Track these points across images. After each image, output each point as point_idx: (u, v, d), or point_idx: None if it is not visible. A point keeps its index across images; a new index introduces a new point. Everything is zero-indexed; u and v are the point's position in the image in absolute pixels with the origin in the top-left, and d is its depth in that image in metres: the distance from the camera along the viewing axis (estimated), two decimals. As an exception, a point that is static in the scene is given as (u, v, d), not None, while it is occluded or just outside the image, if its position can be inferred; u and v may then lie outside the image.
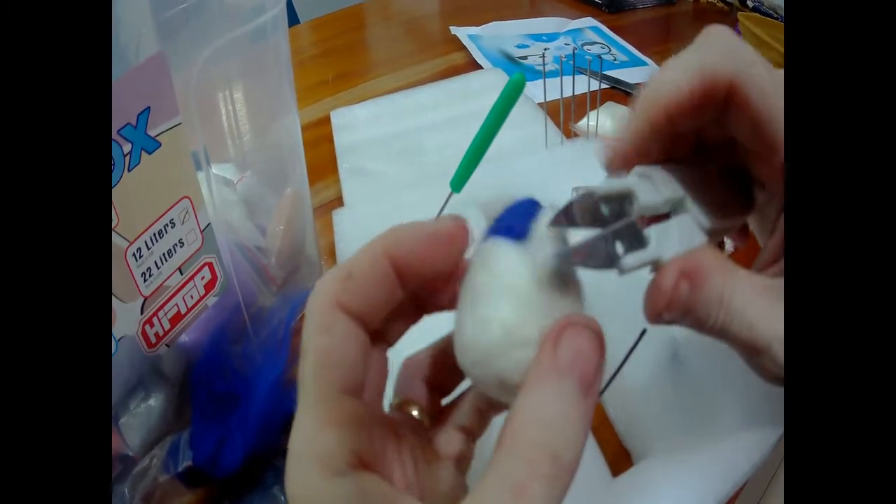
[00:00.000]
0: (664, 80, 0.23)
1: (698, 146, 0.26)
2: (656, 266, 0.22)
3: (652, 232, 0.21)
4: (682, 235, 0.22)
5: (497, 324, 0.19)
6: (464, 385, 0.25)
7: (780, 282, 0.23)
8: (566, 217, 0.20)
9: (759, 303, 0.22)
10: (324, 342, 0.19)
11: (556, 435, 0.16)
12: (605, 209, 0.22)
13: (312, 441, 0.18)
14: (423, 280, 0.21)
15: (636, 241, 0.21)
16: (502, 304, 0.19)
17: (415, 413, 0.23)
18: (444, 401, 0.25)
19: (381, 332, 0.22)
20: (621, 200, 0.22)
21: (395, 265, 0.20)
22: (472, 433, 0.24)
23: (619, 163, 0.24)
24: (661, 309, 0.22)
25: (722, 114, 0.23)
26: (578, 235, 0.20)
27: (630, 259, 0.20)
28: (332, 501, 0.17)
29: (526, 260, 0.20)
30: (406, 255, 0.20)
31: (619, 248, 0.20)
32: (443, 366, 0.24)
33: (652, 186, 0.23)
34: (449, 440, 0.23)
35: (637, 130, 0.24)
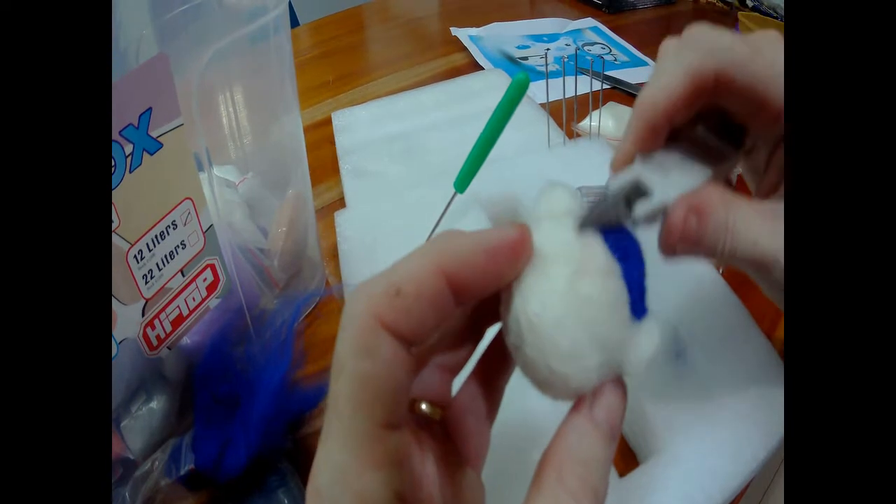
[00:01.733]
0: (658, 87, 0.25)
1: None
2: (665, 212, 0.24)
3: (655, 184, 0.24)
4: (682, 182, 0.25)
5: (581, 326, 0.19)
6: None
7: (779, 205, 0.25)
8: (590, 221, 0.21)
9: (760, 222, 0.24)
10: (365, 368, 0.17)
11: (594, 473, 0.19)
12: (622, 205, 0.23)
13: (352, 485, 0.17)
14: (482, 296, 0.19)
15: (641, 194, 0.23)
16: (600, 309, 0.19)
17: (424, 408, 0.22)
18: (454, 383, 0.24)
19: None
20: (635, 189, 0.24)
21: (450, 281, 0.18)
22: (488, 416, 0.23)
23: (625, 164, 0.26)
24: (675, 242, 0.25)
25: (711, 98, 0.26)
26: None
27: (640, 209, 0.23)
28: None
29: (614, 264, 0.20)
30: (465, 269, 0.18)
31: (628, 204, 0.22)
32: (454, 347, 0.23)
33: (654, 166, 0.25)
34: (465, 434, 0.23)
35: (640, 135, 0.26)
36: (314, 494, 0.17)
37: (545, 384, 0.19)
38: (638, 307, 0.20)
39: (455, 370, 0.23)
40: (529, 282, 0.19)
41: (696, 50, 0.25)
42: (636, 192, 0.23)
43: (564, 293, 0.18)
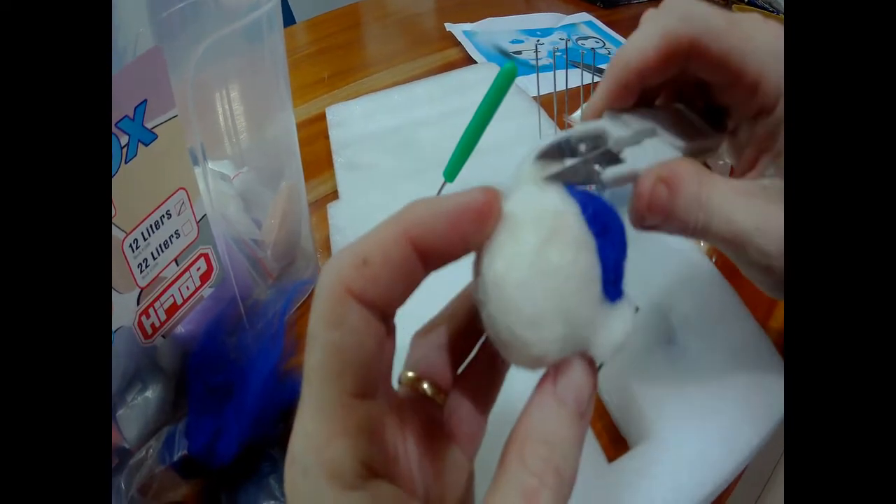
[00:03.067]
0: (632, 47, 0.26)
1: (666, 94, 0.30)
2: (635, 180, 0.24)
3: (627, 153, 0.24)
4: (656, 153, 0.25)
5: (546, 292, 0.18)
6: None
7: (756, 182, 0.25)
8: (548, 155, 0.21)
9: (736, 200, 0.24)
10: (335, 338, 0.17)
11: (558, 452, 0.18)
12: (582, 147, 0.23)
13: (321, 453, 0.17)
14: (449, 261, 0.19)
15: (613, 161, 0.23)
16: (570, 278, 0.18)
17: (426, 388, 0.22)
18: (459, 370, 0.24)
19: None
20: (596, 139, 0.24)
21: (416, 247, 0.18)
22: (484, 402, 0.23)
23: (593, 115, 0.27)
24: (644, 212, 0.25)
25: (686, 64, 0.27)
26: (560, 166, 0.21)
27: (609, 172, 0.23)
28: None
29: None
30: (430, 235, 0.18)
31: (599, 167, 0.23)
32: (463, 329, 0.23)
33: (622, 124, 0.26)
34: (461, 417, 0.23)
35: (609, 89, 0.27)
36: (290, 461, 0.18)
37: (506, 346, 0.19)
38: (611, 288, 0.19)
39: (463, 355, 0.23)
40: (499, 241, 0.18)
41: (673, 16, 0.26)
42: (608, 157, 0.23)
43: (532, 257, 0.18)
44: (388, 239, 0.18)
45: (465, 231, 0.18)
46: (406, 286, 0.18)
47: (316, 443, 0.17)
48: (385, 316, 0.18)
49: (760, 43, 0.25)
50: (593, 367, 0.19)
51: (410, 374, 0.22)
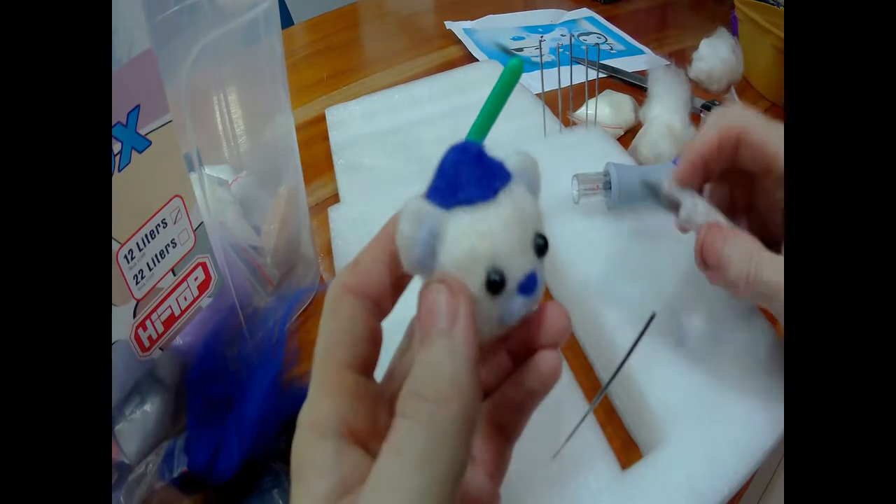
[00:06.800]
0: (700, 139, 0.36)
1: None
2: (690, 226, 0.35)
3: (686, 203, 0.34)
4: (708, 215, 0.34)
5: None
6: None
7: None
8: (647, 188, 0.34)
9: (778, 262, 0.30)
10: (332, 324, 0.21)
11: (418, 377, 0.18)
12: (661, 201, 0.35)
13: (311, 409, 0.20)
14: None
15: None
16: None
17: None
18: None
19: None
20: (672, 201, 0.35)
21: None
22: (508, 432, 0.24)
23: (682, 180, 0.36)
24: (700, 253, 0.33)
25: (735, 154, 0.35)
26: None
27: (685, 212, 0.34)
28: (311, 459, 0.19)
29: None
30: None
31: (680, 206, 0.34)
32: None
33: (691, 202, 0.35)
34: (483, 443, 0.24)
35: (684, 167, 0.36)
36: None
37: None
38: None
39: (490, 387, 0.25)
40: None
41: (728, 116, 0.35)
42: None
43: None
44: (374, 244, 0.22)
45: None
46: (392, 279, 0.22)
47: (310, 402, 0.20)
48: (379, 307, 0.22)
49: None
50: (449, 283, 0.19)
51: None
